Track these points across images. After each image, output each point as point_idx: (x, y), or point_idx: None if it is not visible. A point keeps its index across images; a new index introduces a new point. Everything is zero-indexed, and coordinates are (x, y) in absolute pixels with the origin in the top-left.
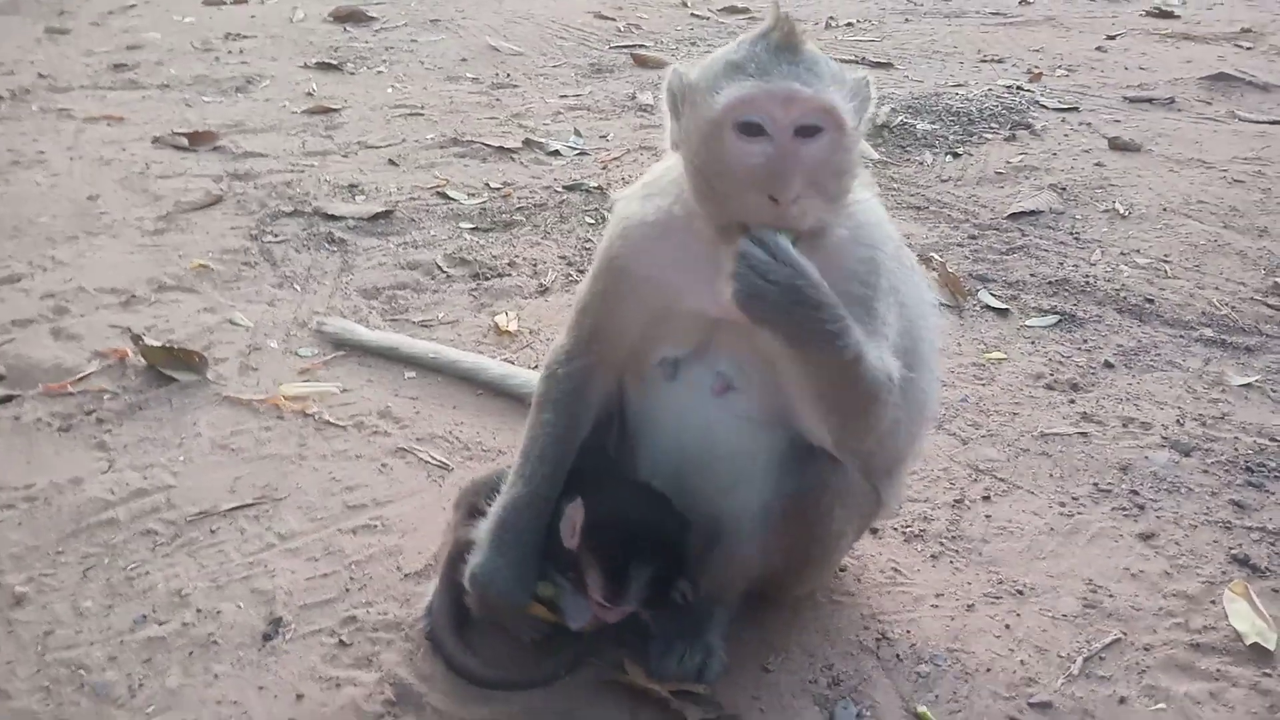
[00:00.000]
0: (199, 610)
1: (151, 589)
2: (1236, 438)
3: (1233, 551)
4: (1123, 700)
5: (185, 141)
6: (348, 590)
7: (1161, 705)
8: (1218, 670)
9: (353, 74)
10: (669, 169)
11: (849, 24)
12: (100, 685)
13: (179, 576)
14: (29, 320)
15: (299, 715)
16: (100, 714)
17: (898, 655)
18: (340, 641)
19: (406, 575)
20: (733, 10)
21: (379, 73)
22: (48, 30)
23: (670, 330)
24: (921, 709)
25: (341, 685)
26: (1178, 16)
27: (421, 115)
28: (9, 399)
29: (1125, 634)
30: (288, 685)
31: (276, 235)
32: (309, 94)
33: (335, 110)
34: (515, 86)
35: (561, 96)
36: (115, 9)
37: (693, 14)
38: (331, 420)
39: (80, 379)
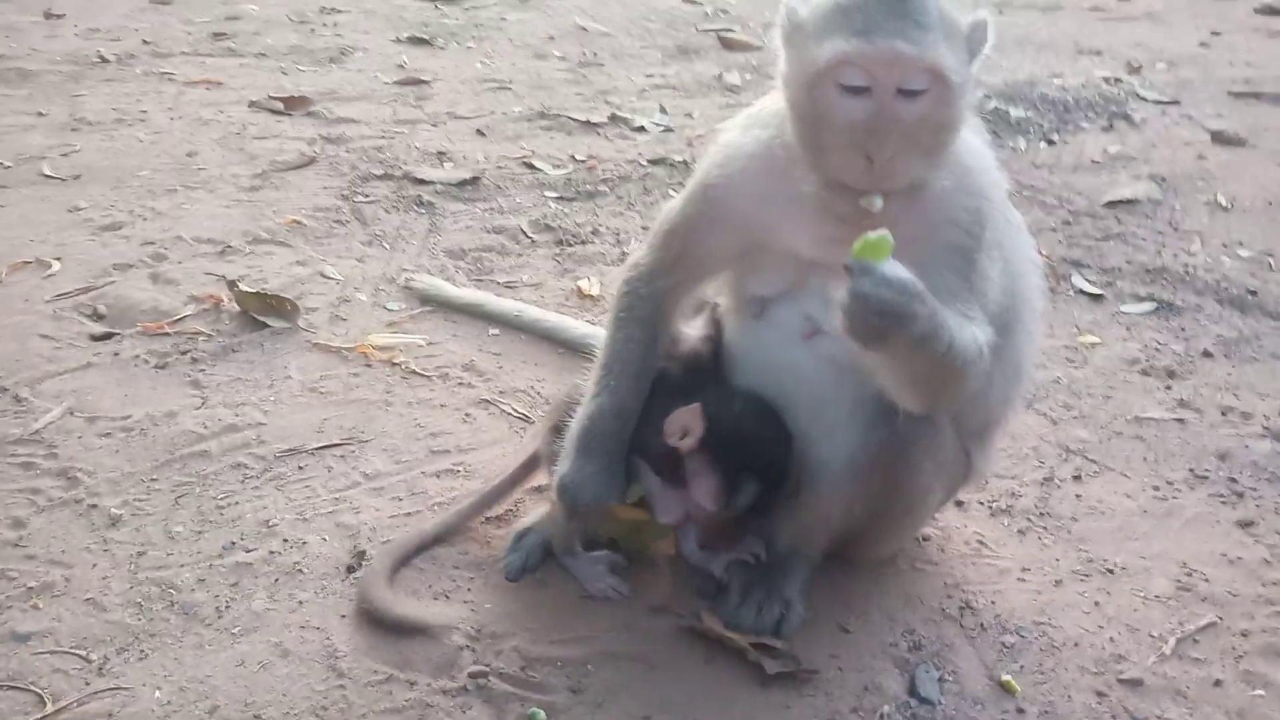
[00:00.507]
0: (285, 540)
1: (240, 518)
2: None
3: None
4: (1218, 683)
5: (280, 106)
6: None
7: (1260, 691)
8: None
9: (443, 49)
10: (775, 102)
11: None
12: (189, 604)
13: (267, 508)
14: (129, 265)
15: (378, 643)
16: (189, 630)
17: (982, 625)
18: (421, 576)
19: (488, 519)
20: None
21: (468, 48)
22: (151, 1)
23: (760, 267)
24: (1006, 678)
25: (423, 617)
26: None
27: (509, 89)
28: (108, 336)
29: (1221, 618)
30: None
31: (367, 196)
32: (400, 66)
33: (425, 82)
34: (602, 65)
35: (648, 75)
36: None
37: None
38: (417, 370)
39: (176, 320)
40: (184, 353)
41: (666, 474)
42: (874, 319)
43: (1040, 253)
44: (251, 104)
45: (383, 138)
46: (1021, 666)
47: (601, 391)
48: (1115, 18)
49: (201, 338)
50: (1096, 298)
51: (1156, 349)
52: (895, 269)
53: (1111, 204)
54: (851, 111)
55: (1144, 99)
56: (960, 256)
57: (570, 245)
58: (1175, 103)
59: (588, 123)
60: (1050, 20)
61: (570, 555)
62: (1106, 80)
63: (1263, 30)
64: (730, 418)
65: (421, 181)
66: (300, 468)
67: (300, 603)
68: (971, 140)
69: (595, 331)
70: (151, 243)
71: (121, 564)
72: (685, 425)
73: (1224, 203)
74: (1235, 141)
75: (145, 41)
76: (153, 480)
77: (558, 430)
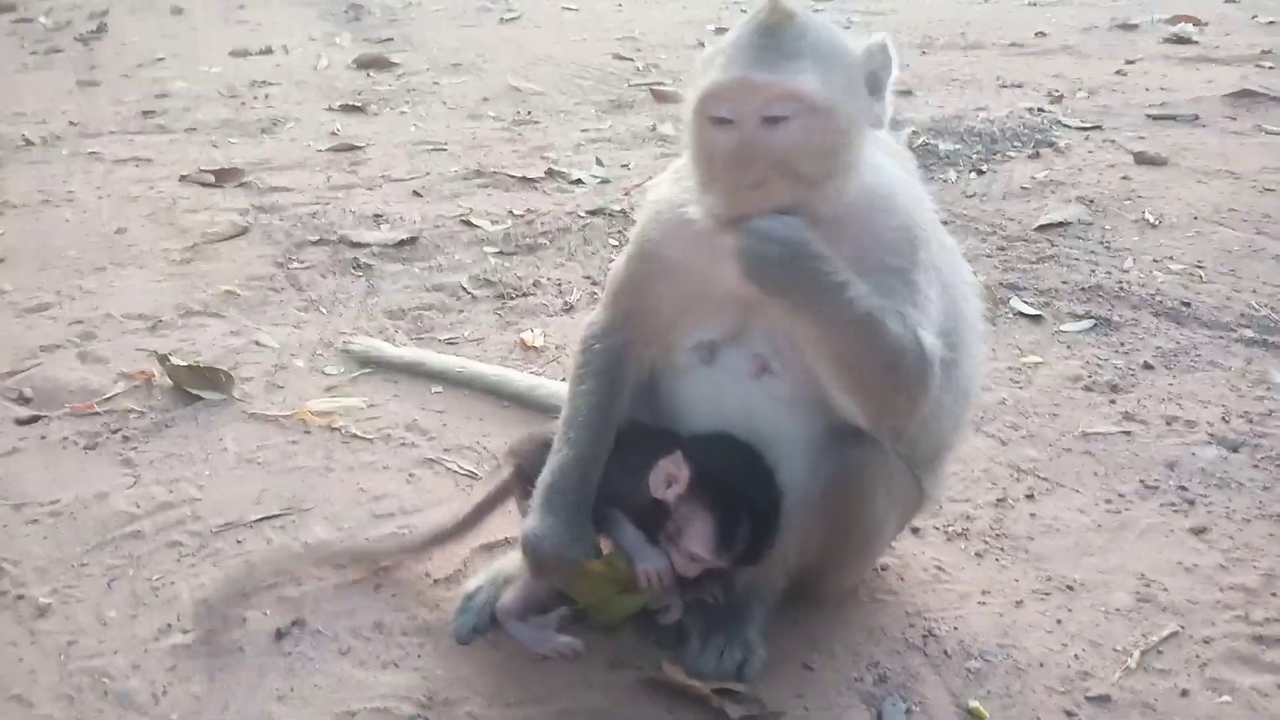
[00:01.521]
0: (224, 618)
1: (176, 598)
2: None
3: None
4: (1185, 693)
5: (212, 179)
6: (376, 597)
7: (1226, 698)
8: None
9: (376, 115)
10: None
11: None
12: (123, 693)
13: (204, 586)
14: (56, 346)
15: None
16: None
17: (946, 651)
18: (369, 646)
19: (436, 581)
20: None
21: (402, 113)
22: (79, 82)
23: (705, 312)
24: (973, 704)
25: (371, 689)
26: (1196, 43)
27: (445, 150)
28: (35, 419)
29: (1183, 627)
30: (315, 689)
31: (302, 262)
32: (333, 133)
33: (359, 148)
34: (537, 123)
35: (583, 130)
36: (145, 62)
37: None
38: (358, 433)
39: (106, 399)
40: (115, 431)
41: (651, 529)
42: (762, 246)
43: (976, 275)
44: (182, 178)
45: (317, 204)
46: (988, 691)
47: (564, 445)
48: (1033, 53)
49: (133, 415)
50: (1035, 319)
51: (1098, 365)
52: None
53: (1043, 228)
54: (720, 142)
55: (1067, 126)
56: (897, 277)
57: (512, 299)
58: (1097, 128)
59: (525, 178)
60: (972, 58)
61: (514, 622)
62: (1030, 110)
63: (1173, 58)
64: (714, 459)
65: (358, 244)
66: (239, 541)
67: (242, 685)
68: (891, 168)
69: (541, 383)
70: (80, 322)
71: (50, 655)
72: (670, 474)
73: (1152, 220)
74: (1157, 161)
75: (72, 123)
76: (83, 565)
77: (521, 473)
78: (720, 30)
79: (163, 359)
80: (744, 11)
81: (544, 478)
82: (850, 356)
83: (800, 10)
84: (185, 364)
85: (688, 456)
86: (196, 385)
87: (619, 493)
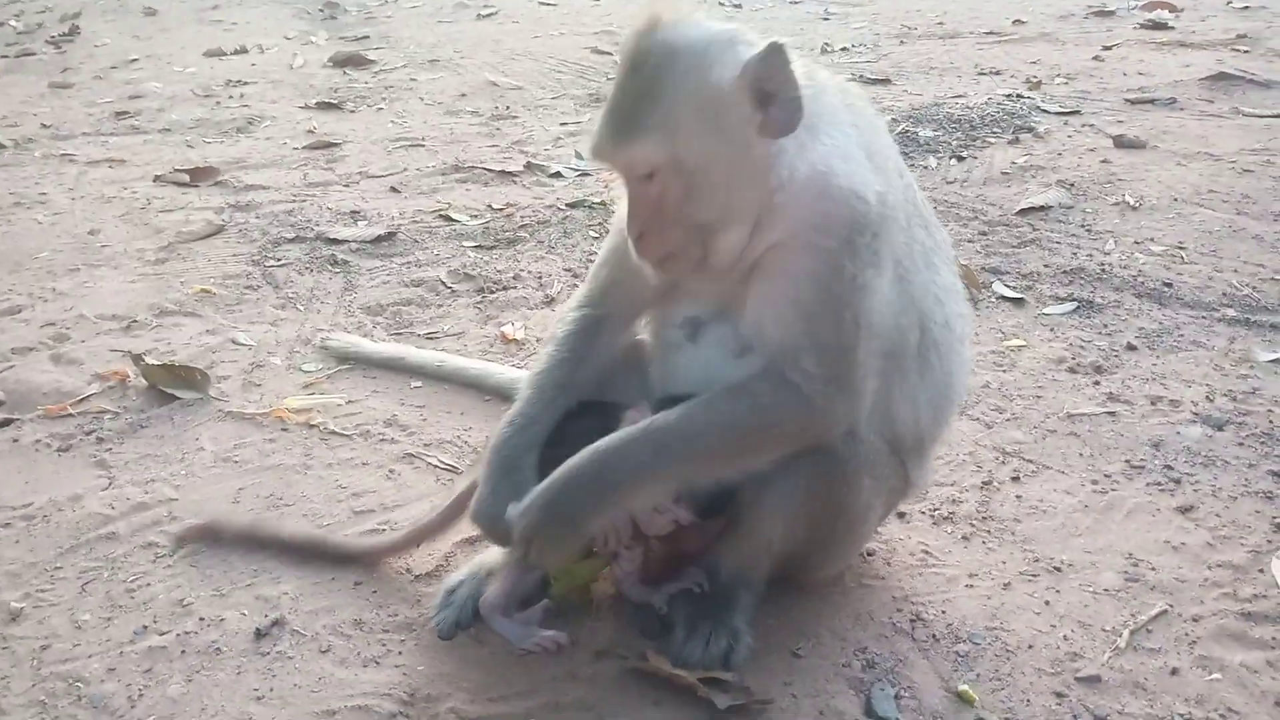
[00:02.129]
0: (201, 619)
1: (152, 600)
2: (1270, 411)
3: (1276, 520)
4: (1175, 671)
5: (186, 178)
6: (356, 594)
7: (1216, 675)
8: (1273, 638)
9: (353, 112)
10: None
11: (844, 48)
12: (98, 696)
13: (181, 587)
14: (29, 348)
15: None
16: None
17: (934, 636)
18: (349, 643)
19: (417, 577)
20: None
21: (379, 110)
22: (51, 85)
23: (688, 290)
24: (963, 688)
25: (352, 687)
26: (1172, 28)
27: (422, 146)
28: (7, 423)
29: (1172, 606)
30: (295, 689)
31: (279, 260)
32: (310, 131)
33: (336, 145)
34: (515, 117)
35: (562, 124)
36: (118, 64)
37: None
38: (337, 430)
39: (80, 401)
40: (89, 433)
41: None
42: (540, 524)
43: (961, 263)
44: (156, 178)
45: (293, 201)
46: (978, 674)
47: (513, 405)
48: (1011, 40)
49: (107, 416)
50: (1018, 302)
51: (1081, 347)
52: (526, 501)
53: (1024, 212)
54: (623, 194)
55: (1046, 111)
56: (818, 303)
57: (492, 292)
58: (1076, 113)
59: (504, 172)
60: (950, 46)
61: (498, 616)
62: (1008, 97)
63: (1149, 43)
64: None
65: (335, 241)
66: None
67: (220, 686)
68: (834, 185)
69: (522, 375)
70: (52, 324)
71: (23, 660)
72: (635, 421)
73: (1132, 202)
74: (1136, 145)
75: (44, 125)
76: (56, 569)
77: None
78: None
79: (137, 359)
80: (721, 4)
81: (491, 444)
82: (698, 469)
83: (656, 44)
84: (160, 364)
85: (651, 409)
86: (172, 385)
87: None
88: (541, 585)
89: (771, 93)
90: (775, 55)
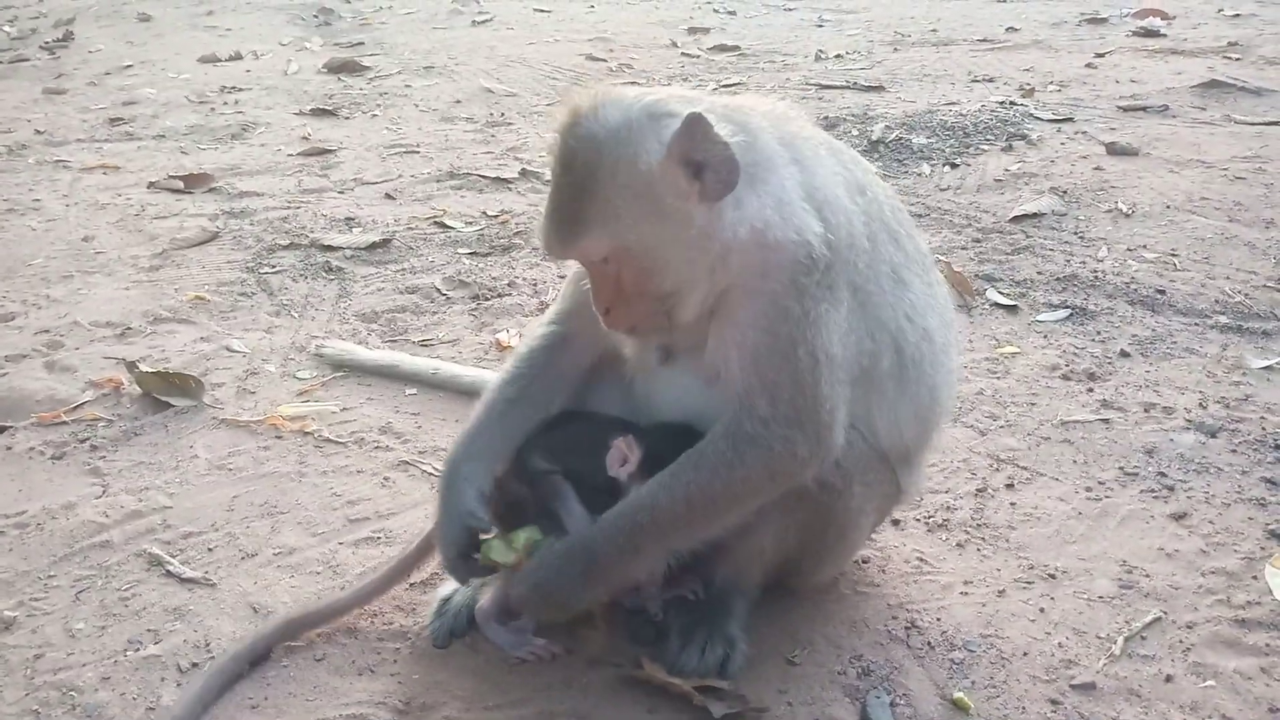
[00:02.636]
0: (197, 627)
1: (146, 609)
2: (1262, 418)
3: (1270, 527)
4: (1169, 678)
5: (181, 185)
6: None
7: (1211, 682)
8: (1267, 645)
9: (348, 118)
10: None
11: (838, 55)
12: (92, 706)
13: (175, 595)
14: (22, 355)
15: None
16: None
17: (929, 643)
18: (343, 652)
19: (412, 585)
20: (722, 48)
21: (374, 116)
22: (45, 91)
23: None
24: (958, 695)
25: (347, 695)
26: (1164, 35)
27: (417, 153)
28: (1, 430)
29: (1166, 613)
30: (290, 697)
31: (273, 267)
32: (304, 138)
33: (331, 151)
34: (510, 124)
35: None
36: (112, 70)
37: (683, 53)
38: (331, 438)
39: (74, 408)
40: (83, 440)
41: (594, 507)
42: (544, 593)
43: (954, 270)
44: (150, 185)
45: (288, 208)
46: (973, 682)
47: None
48: (1004, 48)
49: (101, 424)
50: (1012, 309)
51: (1075, 353)
52: (517, 586)
53: (1018, 219)
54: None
55: (1039, 119)
56: (767, 346)
57: (487, 299)
58: (1069, 120)
59: (499, 179)
60: (944, 54)
61: (492, 624)
62: (1002, 104)
63: (1142, 50)
64: (664, 443)
65: (330, 248)
66: (209, 549)
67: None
68: (771, 236)
69: None
70: (46, 331)
71: (16, 670)
72: (624, 453)
73: (1125, 210)
74: (1129, 152)
75: (38, 131)
76: (50, 577)
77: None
78: (692, 30)
79: (131, 366)
80: (716, 11)
81: (443, 467)
82: (683, 537)
83: (580, 140)
84: (154, 371)
85: (639, 440)
86: (166, 392)
87: (579, 473)
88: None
89: (701, 161)
90: (696, 125)
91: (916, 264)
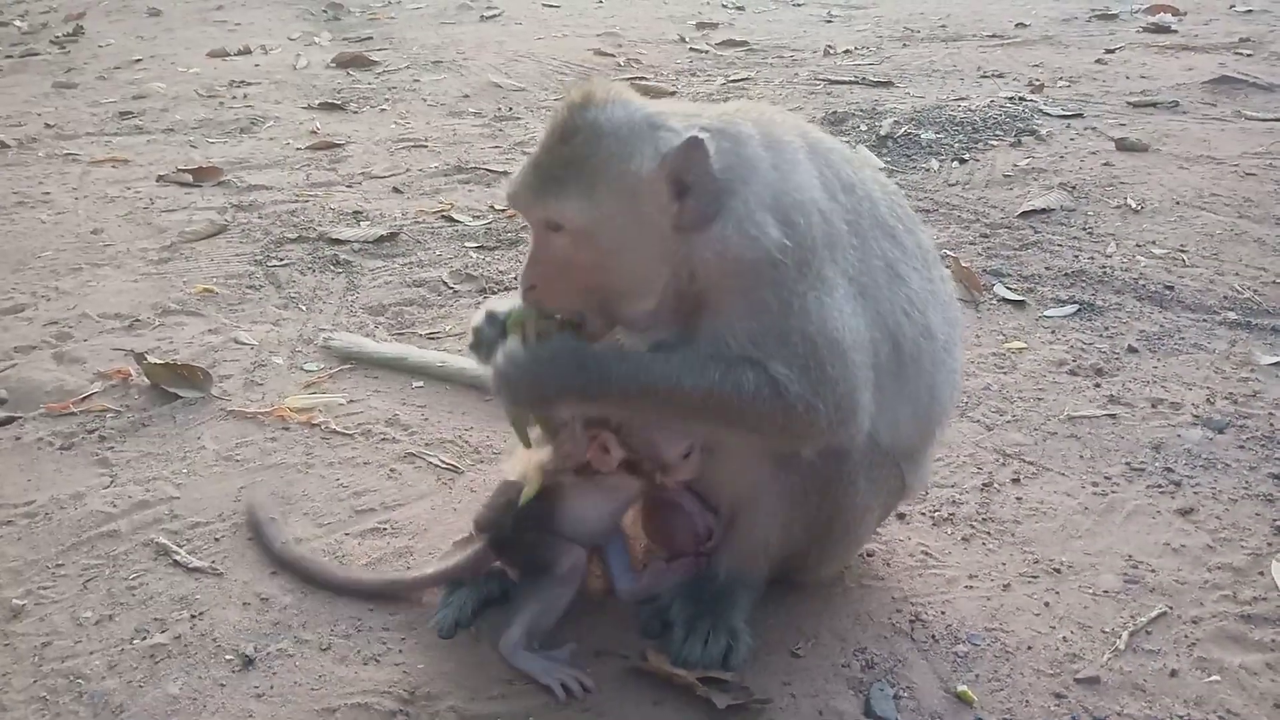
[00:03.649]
0: (202, 616)
1: (153, 598)
2: (1270, 414)
3: (1277, 523)
4: (1174, 673)
5: (189, 178)
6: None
7: (1215, 677)
8: (1272, 640)
9: (356, 113)
10: None
11: (847, 51)
12: (98, 694)
13: (182, 584)
14: (31, 346)
15: (307, 718)
16: None
17: (933, 636)
18: (349, 642)
19: None
20: (731, 44)
21: (382, 110)
22: (55, 85)
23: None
24: (962, 688)
25: (352, 685)
26: (1175, 31)
27: (425, 147)
28: (10, 421)
29: (1171, 608)
30: (295, 686)
31: (281, 260)
32: (313, 132)
33: (339, 145)
34: (518, 119)
35: None
36: (122, 64)
37: (691, 48)
38: (338, 429)
39: (82, 399)
40: (91, 431)
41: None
42: (514, 379)
43: (962, 265)
44: (159, 178)
45: (296, 201)
46: (977, 675)
47: None
48: (1014, 43)
49: (109, 414)
50: (1019, 304)
51: (1082, 349)
52: (517, 350)
53: (1026, 214)
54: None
55: (1048, 114)
56: (762, 331)
57: (494, 293)
58: (1078, 116)
59: (506, 173)
60: (953, 49)
61: (522, 653)
62: (1011, 99)
63: (1152, 47)
64: None
65: (337, 241)
66: (216, 539)
67: (220, 684)
68: (733, 245)
69: None
70: (55, 322)
71: (24, 657)
72: (603, 450)
73: (1134, 205)
74: (1138, 148)
75: (48, 125)
76: (58, 566)
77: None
78: (701, 25)
79: (140, 358)
80: (725, 6)
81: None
82: (668, 416)
83: (585, 121)
84: (163, 362)
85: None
86: (174, 384)
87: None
88: (558, 622)
89: (689, 184)
90: (695, 150)
91: (916, 259)
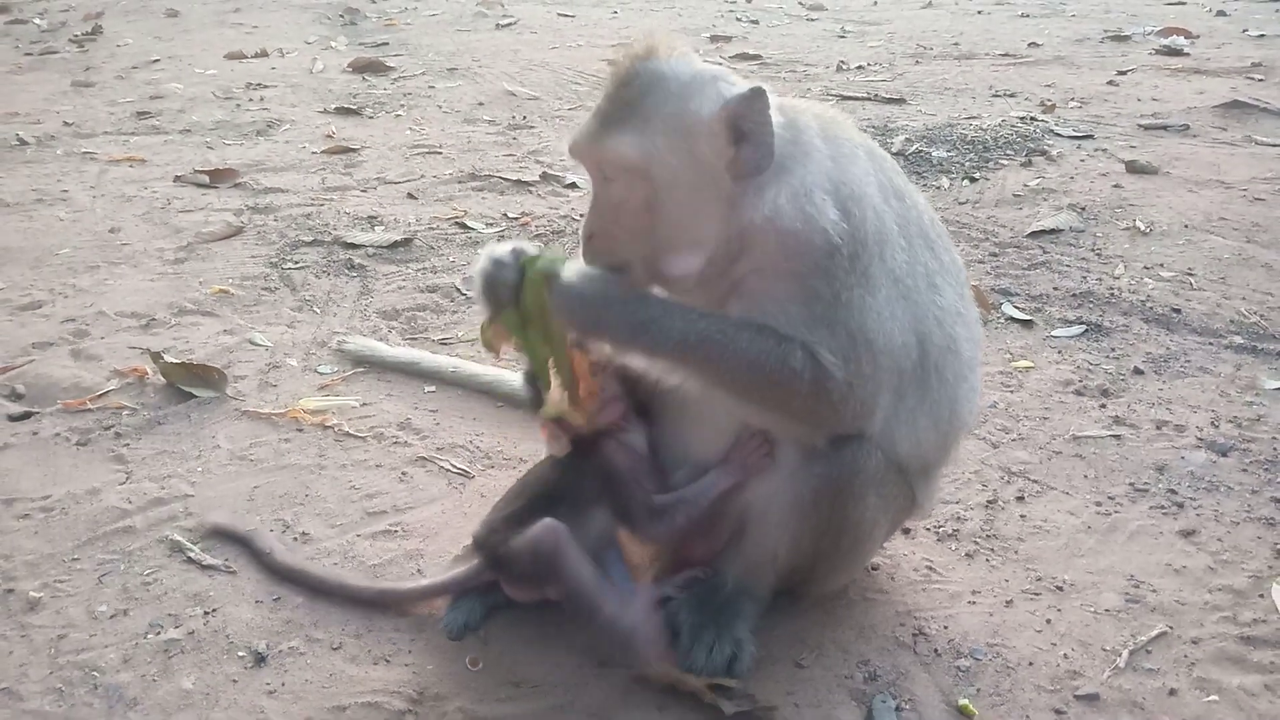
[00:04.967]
0: (215, 613)
1: (167, 594)
2: (1274, 438)
3: (1278, 546)
4: (1173, 692)
5: (206, 179)
6: None
7: (1214, 697)
8: (1271, 662)
9: (371, 118)
10: None
11: (860, 67)
12: (113, 687)
13: (195, 581)
14: (49, 343)
15: (317, 715)
16: (113, 714)
17: (936, 650)
18: (359, 642)
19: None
20: (744, 57)
21: (398, 116)
22: (74, 84)
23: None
24: (963, 702)
25: (362, 684)
26: (1187, 54)
27: (439, 154)
28: (27, 416)
29: (1171, 628)
30: (306, 684)
31: (296, 263)
32: (328, 136)
33: (354, 150)
34: (531, 127)
35: None
36: (139, 64)
37: (705, 60)
38: (351, 432)
39: (99, 396)
40: (107, 428)
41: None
42: (573, 305)
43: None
44: (176, 179)
45: (312, 205)
46: (978, 689)
47: None
48: (1026, 63)
49: (125, 412)
50: (1027, 324)
51: (1089, 369)
52: (593, 274)
53: (1035, 234)
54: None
55: (1059, 135)
56: (808, 319)
57: None
58: (1089, 137)
59: (519, 182)
60: (965, 68)
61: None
62: (1022, 119)
63: (1164, 69)
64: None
65: (352, 245)
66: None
67: (233, 680)
68: (790, 221)
69: None
70: (72, 320)
71: (40, 649)
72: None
73: (1143, 228)
74: (1149, 170)
75: (67, 123)
76: (74, 560)
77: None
78: (715, 38)
79: (156, 356)
80: (739, 20)
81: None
82: (706, 376)
83: (645, 69)
84: (178, 362)
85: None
86: (189, 383)
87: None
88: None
89: (746, 132)
90: (757, 98)
91: (951, 275)
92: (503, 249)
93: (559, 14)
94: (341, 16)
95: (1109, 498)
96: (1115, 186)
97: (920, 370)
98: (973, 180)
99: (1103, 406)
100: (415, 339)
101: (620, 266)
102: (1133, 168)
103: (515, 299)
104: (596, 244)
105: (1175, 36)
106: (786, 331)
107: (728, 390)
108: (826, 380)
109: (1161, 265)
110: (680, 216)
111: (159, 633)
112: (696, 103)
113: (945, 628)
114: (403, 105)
